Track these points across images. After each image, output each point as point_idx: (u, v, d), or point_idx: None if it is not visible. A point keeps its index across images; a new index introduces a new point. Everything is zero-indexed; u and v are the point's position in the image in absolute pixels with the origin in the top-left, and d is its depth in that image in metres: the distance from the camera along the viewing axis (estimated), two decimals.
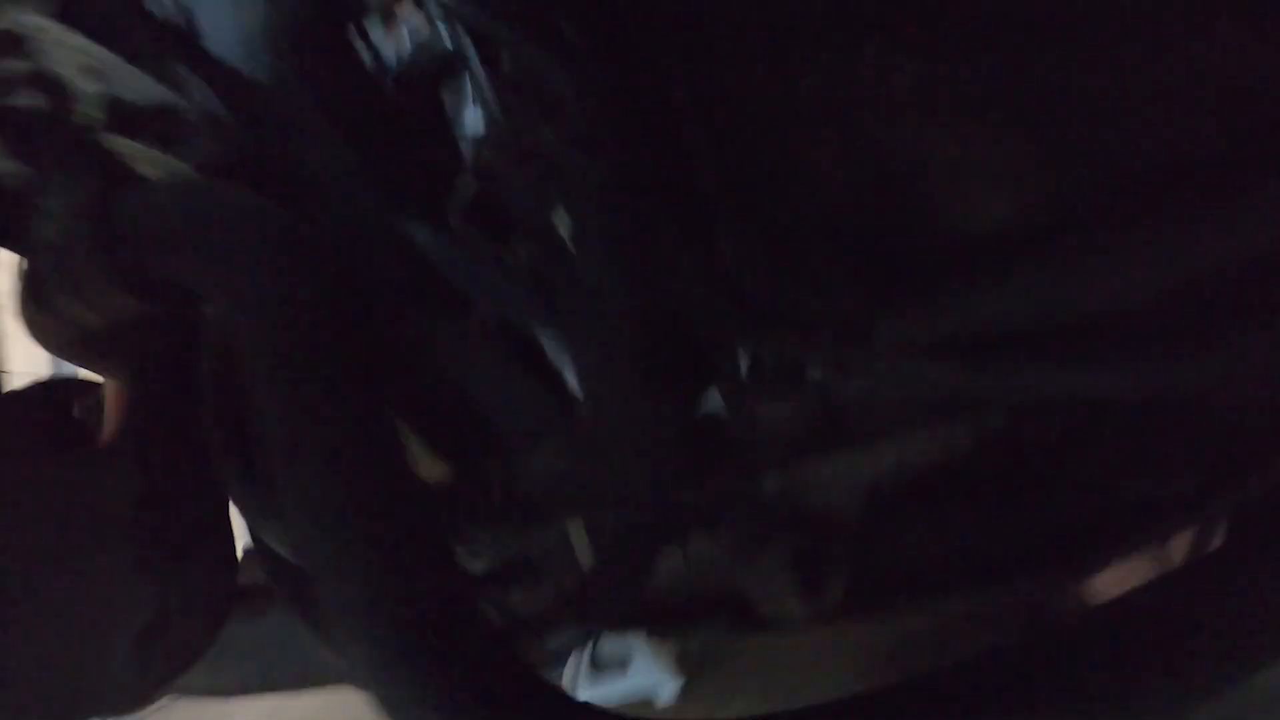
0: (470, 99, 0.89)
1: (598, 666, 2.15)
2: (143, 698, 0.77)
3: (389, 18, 0.97)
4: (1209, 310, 0.55)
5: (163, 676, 0.79)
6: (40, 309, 0.69)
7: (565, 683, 1.79)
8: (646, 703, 1.75)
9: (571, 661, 2.12)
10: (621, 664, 2.13)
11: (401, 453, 0.54)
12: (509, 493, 0.69)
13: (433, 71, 0.92)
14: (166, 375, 0.77)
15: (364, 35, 0.76)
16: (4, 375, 0.93)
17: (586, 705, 0.50)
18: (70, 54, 0.64)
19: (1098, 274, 0.55)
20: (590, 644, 2.08)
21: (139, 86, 0.67)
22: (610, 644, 2.16)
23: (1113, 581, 0.74)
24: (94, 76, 0.65)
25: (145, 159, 0.68)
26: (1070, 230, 0.55)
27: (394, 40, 0.97)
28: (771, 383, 0.74)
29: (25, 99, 0.65)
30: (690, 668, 1.99)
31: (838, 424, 0.75)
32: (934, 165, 0.58)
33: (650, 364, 0.68)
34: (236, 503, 0.76)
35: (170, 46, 0.64)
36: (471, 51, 0.72)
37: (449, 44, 0.92)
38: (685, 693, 1.89)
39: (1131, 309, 0.56)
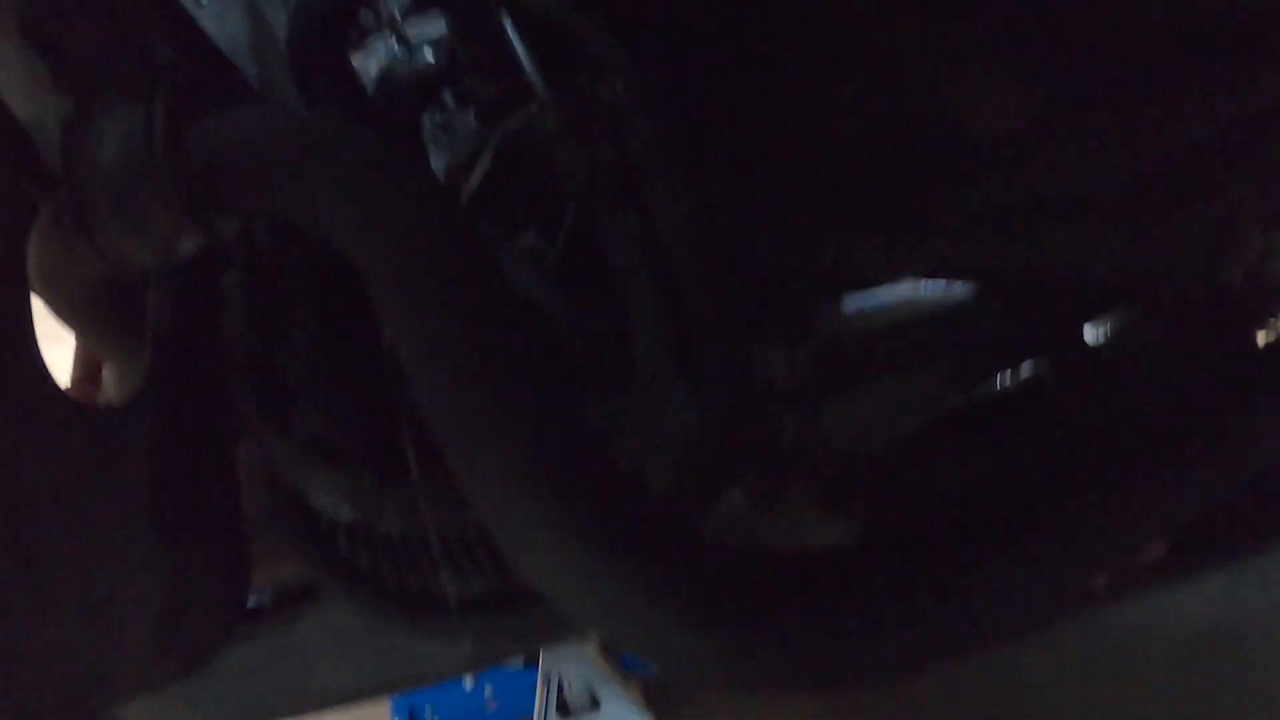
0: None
1: (568, 709, 2.12)
2: (163, 680, 0.72)
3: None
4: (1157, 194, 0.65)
5: (184, 660, 0.74)
6: (68, 252, 0.66)
7: None
8: None
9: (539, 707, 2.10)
10: (592, 703, 2.11)
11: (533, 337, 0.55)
12: None
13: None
14: (184, 340, 0.74)
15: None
16: None
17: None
18: None
19: (1070, 165, 0.64)
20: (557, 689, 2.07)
21: None
22: (576, 686, 2.14)
23: None
24: None
25: None
26: (1049, 133, 0.63)
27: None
28: (784, 330, 0.78)
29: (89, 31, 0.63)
30: (659, 704, 2.00)
31: (846, 366, 0.79)
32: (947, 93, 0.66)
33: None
34: (273, 464, 0.72)
35: None
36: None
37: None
38: None
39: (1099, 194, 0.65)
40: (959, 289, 0.80)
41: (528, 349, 0.52)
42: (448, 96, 1.00)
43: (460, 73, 0.98)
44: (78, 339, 0.87)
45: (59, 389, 0.65)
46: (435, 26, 1.05)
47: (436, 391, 0.52)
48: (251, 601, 0.95)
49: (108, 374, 0.86)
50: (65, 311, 0.73)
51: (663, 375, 0.63)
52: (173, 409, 0.73)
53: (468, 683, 2.32)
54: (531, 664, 2.26)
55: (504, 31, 0.83)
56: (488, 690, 2.31)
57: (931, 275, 0.73)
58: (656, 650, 0.47)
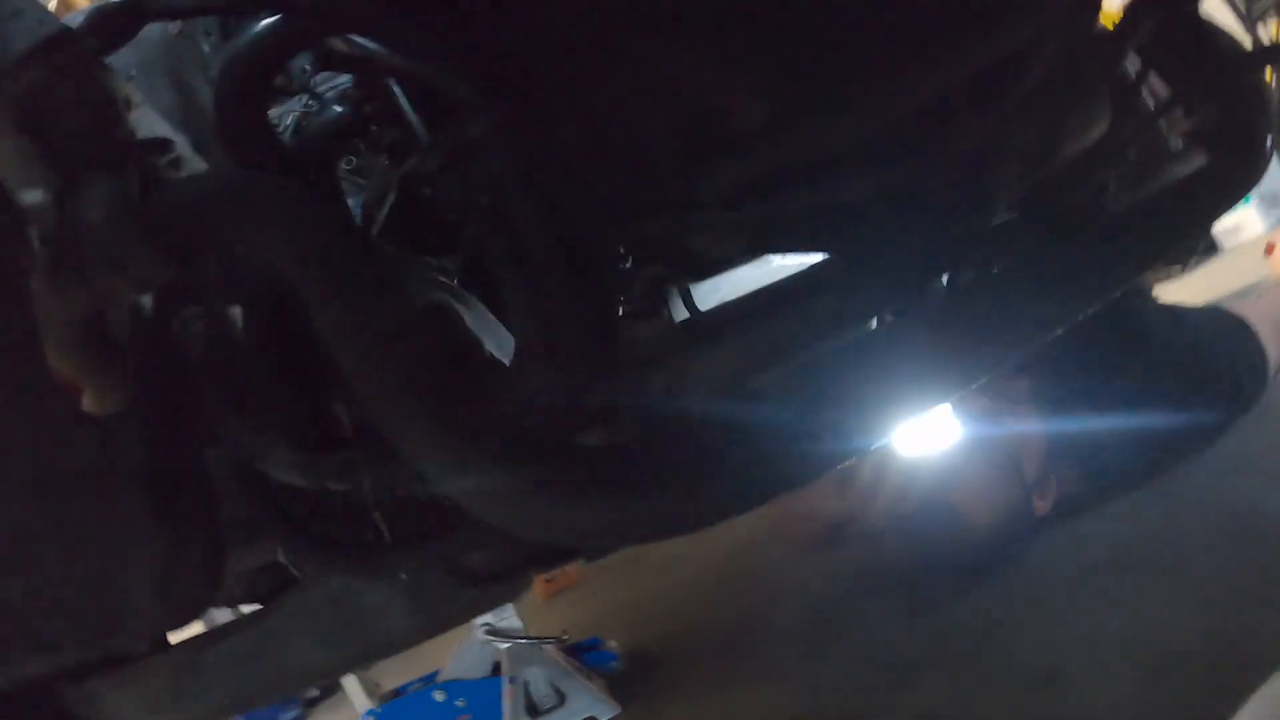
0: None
1: (536, 708, 2.28)
2: (168, 626, 0.90)
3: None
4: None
5: (177, 614, 0.92)
6: (61, 297, 0.84)
7: None
8: None
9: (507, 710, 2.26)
10: (560, 700, 2.27)
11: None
12: None
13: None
14: (158, 360, 0.92)
15: None
16: None
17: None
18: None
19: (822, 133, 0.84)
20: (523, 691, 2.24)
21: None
22: (540, 686, 2.31)
23: None
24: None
25: None
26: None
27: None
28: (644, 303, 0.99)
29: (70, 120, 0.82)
30: (622, 694, 2.18)
31: (706, 331, 1.00)
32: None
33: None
34: (237, 448, 0.92)
35: None
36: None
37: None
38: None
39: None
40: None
41: (423, 336, 0.72)
42: (359, 144, 1.19)
43: (367, 122, 1.16)
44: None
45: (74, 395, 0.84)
46: (340, 83, 1.23)
47: (364, 375, 0.72)
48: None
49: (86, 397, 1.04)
50: (57, 348, 0.91)
51: (533, 352, 0.83)
52: (155, 415, 0.91)
53: (439, 695, 2.47)
54: (497, 674, 2.43)
55: (390, 89, 1.03)
56: (460, 701, 2.45)
57: (749, 246, 0.94)
58: (532, 522, 0.67)
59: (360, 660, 1.24)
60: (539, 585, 2.79)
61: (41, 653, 0.85)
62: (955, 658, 1.60)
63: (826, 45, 0.81)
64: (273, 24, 0.98)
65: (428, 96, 1.01)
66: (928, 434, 1.86)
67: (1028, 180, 0.98)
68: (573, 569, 2.96)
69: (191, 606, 0.93)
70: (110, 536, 0.86)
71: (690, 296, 0.99)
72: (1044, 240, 1.00)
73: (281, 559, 1.09)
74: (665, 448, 0.75)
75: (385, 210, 1.05)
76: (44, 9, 0.84)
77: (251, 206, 0.76)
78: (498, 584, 1.07)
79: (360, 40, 1.00)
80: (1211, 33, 1.29)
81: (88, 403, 1.01)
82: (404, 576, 0.92)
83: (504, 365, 0.87)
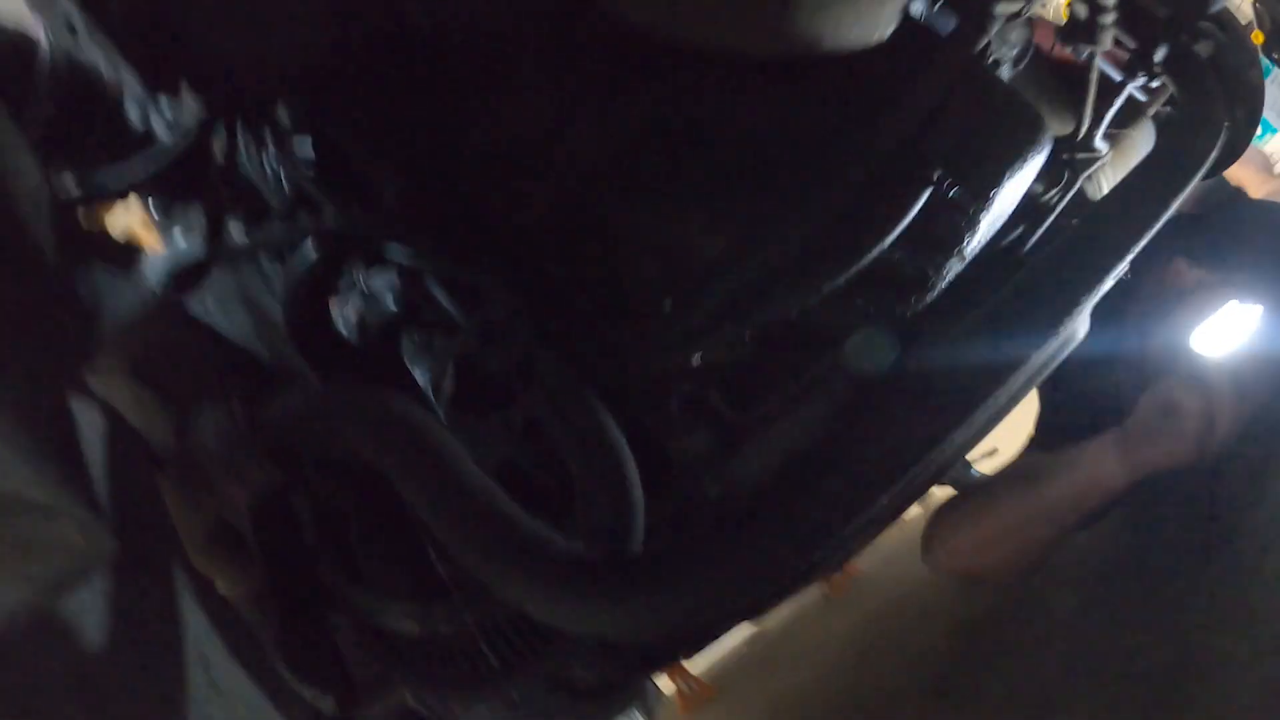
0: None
1: None
2: None
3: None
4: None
5: None
6: (193, 506, 1.01)
7: None
8: None
9: None
10: None
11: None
12: None
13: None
14: (279, 543, 1.08)
15: None
16: None
17: None
18: None
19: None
20: None
21: None
22: None
23: None
24: None
25: None
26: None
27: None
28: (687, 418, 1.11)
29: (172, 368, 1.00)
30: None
31: (735, 430, 1.11)
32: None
33: None
34: (357, 611, 1.06)
35: None
36: None
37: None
38: None
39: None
40: None
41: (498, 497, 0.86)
42: (415, 327, 1.34)
43: (417, 310, 1.32)
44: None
45: None
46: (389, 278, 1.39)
47: (453, 541, 0.86)
48: None
49: (220, 584, 1.20)
50: (194, 549, 1.07)
51: (589, 489, 0.97)
52: (285, 596, 1.07)
53: None
54: None
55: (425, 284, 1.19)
56: None
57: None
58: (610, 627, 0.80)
59: None
60: (679, 701, 2.79)
61: None
62: None
63: (754, 179, 0.95)
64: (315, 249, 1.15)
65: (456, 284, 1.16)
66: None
67: None
68: (705, 679, 2.93)
69: None
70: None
71: (723, 406, 1.10)
72: None
73: (410, 703, 1.22)
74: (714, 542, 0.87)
75: (449, 383, 1.21)
76: (138, 278, 1.02)
77: (337, 418, 0.92)
78: (606, 695, 1.19)
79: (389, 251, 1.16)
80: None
81: (223, 589, 1.18)
82: (515, 695, 1.05)
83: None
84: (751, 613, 0.84)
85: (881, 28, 0.90)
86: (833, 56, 0.89)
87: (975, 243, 0.95)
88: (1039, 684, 1.28)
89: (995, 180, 0.92)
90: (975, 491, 1.38)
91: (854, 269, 0.91)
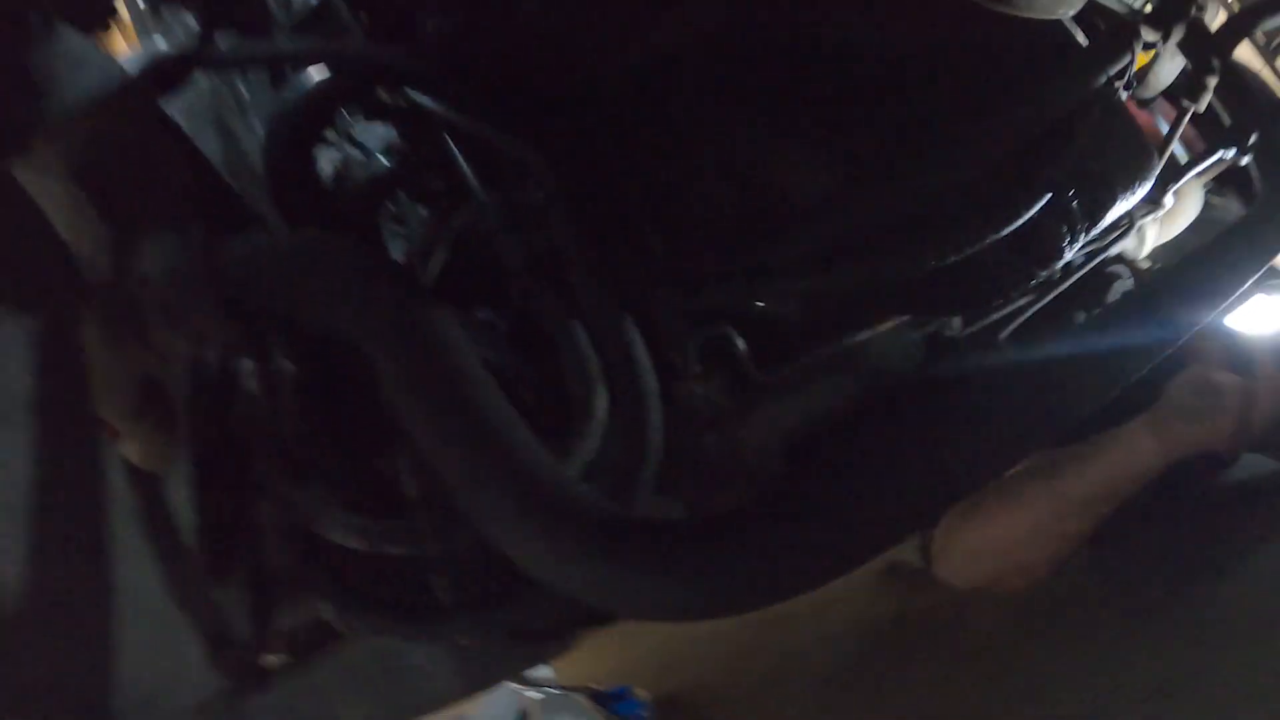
0: None
1: None
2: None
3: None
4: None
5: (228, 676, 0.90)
6: (117, 353, 0.83)
7: None
8: None
9: None
10: None
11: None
12: None
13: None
14: (211, 417, 0.90)
15: None
16: None
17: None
18: None
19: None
20: None
21: None
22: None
23: None
24: None
25: None
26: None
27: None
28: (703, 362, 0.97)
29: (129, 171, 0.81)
30: None
31: (753, 389, 0.98)
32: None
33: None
34: (293, 513, 0.89)
35: None
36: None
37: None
38: None
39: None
40: None
41: (497, 394, 0.70)
42: (400, 193, 1.17)
43: (410, 173, 1.15)
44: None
45: None
46: (386, 133, 1.22)
47: (433, 433, 0.70)
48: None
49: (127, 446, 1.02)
50: (107, 401, 0.89)
51: (592, 413, 0.82)
52: (206, 474, 0.89)
53: None
54: None
55: (446, 144, 1.02)
56: None
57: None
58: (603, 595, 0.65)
59: (403, 717, 1.21)
60: None
61: None
62: None
63: (883, 127, 0.81)
64: (324, 85, 0.97)
65: (480, 153, 1.00)
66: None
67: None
68: None
69: (240, 668, 0.91)
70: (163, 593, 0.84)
71: (748, 361, 0.97)
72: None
73: (325, 617, 1.06)
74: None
75: (435, 264, 1.04)
76: (109, 57, 0.83)
77: (322, 268, 0.75)
78: (548, 643, 1.04)
79: (415, 95, 0.99)
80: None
81: (133, 456, 1.00)
82: (465, 643, 0.89)
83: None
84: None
85: (1072, 4, 0.80)
86: (1011, 17, 0.77)
87: (1066, 259, 0.88)
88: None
89: (1109, 203, 0.86)
90: (990, 493, 1.26)
91: (963, 252, 0.80)
